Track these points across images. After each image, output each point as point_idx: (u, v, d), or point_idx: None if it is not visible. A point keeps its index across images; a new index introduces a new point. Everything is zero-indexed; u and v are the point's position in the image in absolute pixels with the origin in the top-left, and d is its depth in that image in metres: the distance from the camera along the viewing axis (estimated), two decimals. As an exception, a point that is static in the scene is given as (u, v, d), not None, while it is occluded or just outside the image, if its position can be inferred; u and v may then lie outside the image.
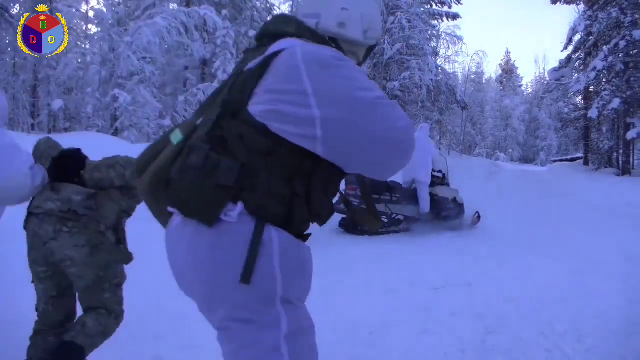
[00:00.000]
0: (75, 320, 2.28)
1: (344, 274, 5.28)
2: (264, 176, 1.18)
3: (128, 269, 2.50)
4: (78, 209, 2.17)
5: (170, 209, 1.26)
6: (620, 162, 17.09)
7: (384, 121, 1.20)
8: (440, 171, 8.86)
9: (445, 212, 8.39)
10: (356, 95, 1.19)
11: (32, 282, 2.31)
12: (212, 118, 1.23)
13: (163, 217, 1.35)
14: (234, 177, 1.15)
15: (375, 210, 1.80)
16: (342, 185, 8.21)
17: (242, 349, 1.19)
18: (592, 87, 17.58)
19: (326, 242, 7.12)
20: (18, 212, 7.18)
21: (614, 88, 15.79)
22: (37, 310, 2.30)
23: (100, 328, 2.21)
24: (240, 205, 1.16)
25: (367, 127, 1.18)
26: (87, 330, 2.15)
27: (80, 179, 2.25)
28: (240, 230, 1.16)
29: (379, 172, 1.36)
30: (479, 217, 8.73)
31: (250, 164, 1.17)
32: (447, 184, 8.94)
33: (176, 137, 1.27)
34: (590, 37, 17.61)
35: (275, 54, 1.22)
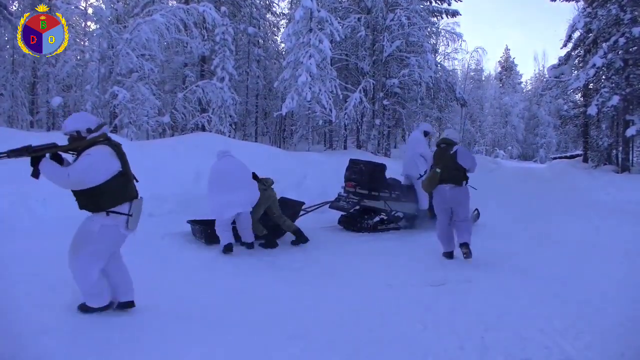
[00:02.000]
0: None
1: (343, 271, 5.29)
2: (463, 174, 5.99)
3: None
4: None
5: (444, 185, 5.95)
6: (620, 159, 17.09)
7: (474, 160, 6.09)
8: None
9: None
10: (471, 156, 6.16)
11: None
12: (450, 165, 5.94)
13: (434, 188, 6.10)
14: (462, 175, 5.97)
15: None
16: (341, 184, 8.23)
17: (463, 208, 6.00)
18: (591, 84, 17.56)
19: (326, 239, 7.12)
20: (18, 214, 7.14)
21: (613, 85, 15.77)
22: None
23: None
24: (465, 182, 6.00)
25: (472, 162, 6.04)
26: (288, 223, 6.62)
27: None
28: (467, 187, 6.05)
29: (474, 170, 6.10)
30: (478, 214, 8.75)
31: (461, 172, 5.97)
32: None
33: (439, 170, 5.97)
34: (590, 34, 17.59)
35: (457, 150, 6.05)
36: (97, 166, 3.32)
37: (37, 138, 7.79)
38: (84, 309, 3.52)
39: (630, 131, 15.51)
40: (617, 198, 12.28)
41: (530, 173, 18.52)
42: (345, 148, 19.04)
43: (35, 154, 3.24)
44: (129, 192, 3.54)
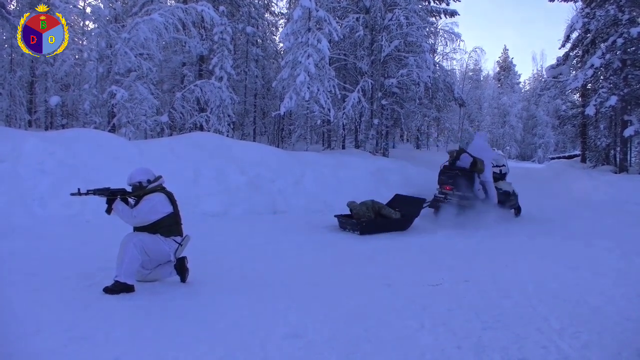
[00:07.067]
0: None
1: (342, 270, 5.29)
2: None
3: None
4: None
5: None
6: (618, 159, 17.14)
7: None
8: (503, 166, 10.44)
9: (509, 202, 9.78)
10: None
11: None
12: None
13: None
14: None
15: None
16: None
17: None
18: (589, 85, 17.62)
19: (325, 239, 7.13)
20: (15, 213, 7.11)
21: (611, 85, 15.83)
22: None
23: None
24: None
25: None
26: None
27: None
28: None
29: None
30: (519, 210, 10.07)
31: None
32: (504, 179, 10.32)
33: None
34: (588, 35, 17.65)
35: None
36: (156, 209, 4.30)
37: (37, 138, 7.79)
38: (116, 287, 4.04)
39: (628, 131, 15.56)
40: (615, 198, 12.32)
41: (529, 173, 18.55)
42: (343, 148, 19.02)
43: (112, 196, 4.25)
44: (178, 229, 4.50)
